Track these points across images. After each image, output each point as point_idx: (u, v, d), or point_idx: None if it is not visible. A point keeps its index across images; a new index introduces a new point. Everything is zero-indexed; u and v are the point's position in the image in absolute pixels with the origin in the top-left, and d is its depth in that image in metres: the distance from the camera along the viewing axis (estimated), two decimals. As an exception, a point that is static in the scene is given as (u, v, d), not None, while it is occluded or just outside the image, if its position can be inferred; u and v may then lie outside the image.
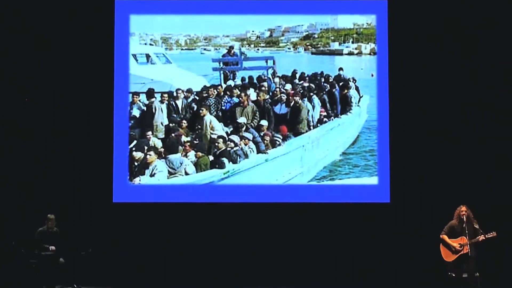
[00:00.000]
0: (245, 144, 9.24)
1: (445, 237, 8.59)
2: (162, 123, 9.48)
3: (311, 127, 9.63)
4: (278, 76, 9.69)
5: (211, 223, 9.80)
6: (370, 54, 9.50)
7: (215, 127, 9.37)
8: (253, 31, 9.82)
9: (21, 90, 9.96)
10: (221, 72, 9.65)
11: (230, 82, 9.63)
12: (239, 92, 9.52)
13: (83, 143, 9.89)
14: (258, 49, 9.74)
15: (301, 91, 9.59)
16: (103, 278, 9.64)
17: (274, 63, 9.49)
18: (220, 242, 9.78)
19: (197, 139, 9.35)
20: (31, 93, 9.97)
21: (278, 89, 9.54)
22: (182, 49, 9.74)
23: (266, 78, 9.51)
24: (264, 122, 9.43)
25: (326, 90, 9.65)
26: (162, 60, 9.75)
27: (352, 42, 9.59)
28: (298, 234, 9.83)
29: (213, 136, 9.31)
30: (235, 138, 9.28)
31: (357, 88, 9.72)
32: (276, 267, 9.76)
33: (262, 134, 9.39)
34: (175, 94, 9.51)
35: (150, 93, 9.60)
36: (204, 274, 9.71)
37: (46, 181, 9.83)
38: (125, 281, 9.69)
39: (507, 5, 9.81)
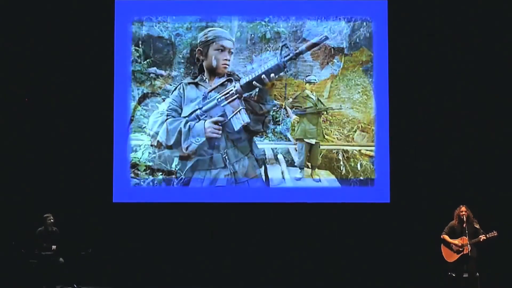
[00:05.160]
0: None
1: (446, 237, 8.60)
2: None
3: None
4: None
5: (212, 223, 9.80)
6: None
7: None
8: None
9: (21, 90, 9.97)
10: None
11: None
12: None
13: (83, 142, 9.89)
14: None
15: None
16: (103, 278, 9.65)
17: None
18: (220, 242, 9.79)
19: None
20: (31, 93, 9.98)
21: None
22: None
23: None
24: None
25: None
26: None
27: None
28: (297, 234, 9.83)
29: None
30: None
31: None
32: (276, 267, 9.76)
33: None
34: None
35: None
36: (205, 274, 9.72)
37: (46, 181, 9.83)
38: (125, 281, 9.69)
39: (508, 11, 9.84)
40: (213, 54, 8.46)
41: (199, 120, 8.52)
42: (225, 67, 8.57)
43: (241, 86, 8.29)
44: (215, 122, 8.49)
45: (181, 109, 8.67)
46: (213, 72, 8.55)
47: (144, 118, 9.69)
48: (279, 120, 9.58)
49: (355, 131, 9.48)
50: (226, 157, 8.73)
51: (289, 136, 9.62)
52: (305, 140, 9.58)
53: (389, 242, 9.71)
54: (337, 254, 9.76)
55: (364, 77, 9.55)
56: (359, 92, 9.56)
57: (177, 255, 9.78)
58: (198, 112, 8.57)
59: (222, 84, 8.51)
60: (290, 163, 9.70)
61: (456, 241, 8.52)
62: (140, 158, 9.65)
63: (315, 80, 9.62)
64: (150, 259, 9.78)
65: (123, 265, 9.74)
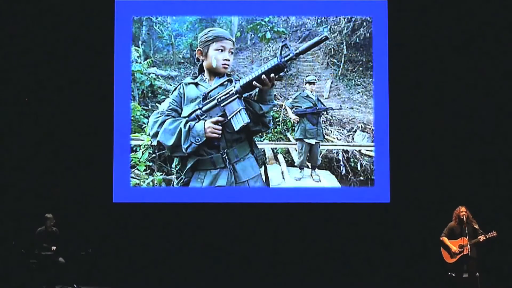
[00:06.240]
0: None
1: (445, 239, 8.60)
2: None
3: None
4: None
5: (212, 223, 9.81)
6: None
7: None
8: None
9: (21, 90, 9.97)
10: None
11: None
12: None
13: (83, 142, 9.89)
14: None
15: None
16: (103, 278, 9.65)
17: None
18: (220, 242, 9.79)
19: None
20: (31, 93, 9.97)
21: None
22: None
23: None
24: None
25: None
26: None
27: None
28: (297, 234, 9.84)
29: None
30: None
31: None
32: (275, 268, 9.77)
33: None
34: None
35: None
36: (204, 275, 9.72)
37: (46, 181, 9.83)
38: (125, 281, 9.69)
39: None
40: (213, 54, 8.45)
41: (199, 120, 8.50)
42: (225, 67, 8.55)
43: (241, 86, 8.28)
44: (215, 122, 8.47)
45: (181, 109, 8.65)
46: (213, 72, 8.53)
47: (144, 118, 9.71)
48: (279, 120, 9.58)
49: (355, 131, 9.49)
50: (226, 157, 8.69)
51: (289, 136, 9.63)
52: (305, 140, 9.58)
53: (389, 242, 9.72)
54: (337, 254, 9.76)
55: (364, 77, 9.56)
56: (359, 92, 9.57)
57: (177, 255, 9.78)
58: (198, 112, 8.54)
59: (222, 84, 8.48)
60: (290, 163, 9.71)
61: (454, 247, 8.52)
62: (140, 158, 9.66)
63: (315, 80, 9.64)
64: (150, 259, 9.79)
65: (123, 265, 9.75)
